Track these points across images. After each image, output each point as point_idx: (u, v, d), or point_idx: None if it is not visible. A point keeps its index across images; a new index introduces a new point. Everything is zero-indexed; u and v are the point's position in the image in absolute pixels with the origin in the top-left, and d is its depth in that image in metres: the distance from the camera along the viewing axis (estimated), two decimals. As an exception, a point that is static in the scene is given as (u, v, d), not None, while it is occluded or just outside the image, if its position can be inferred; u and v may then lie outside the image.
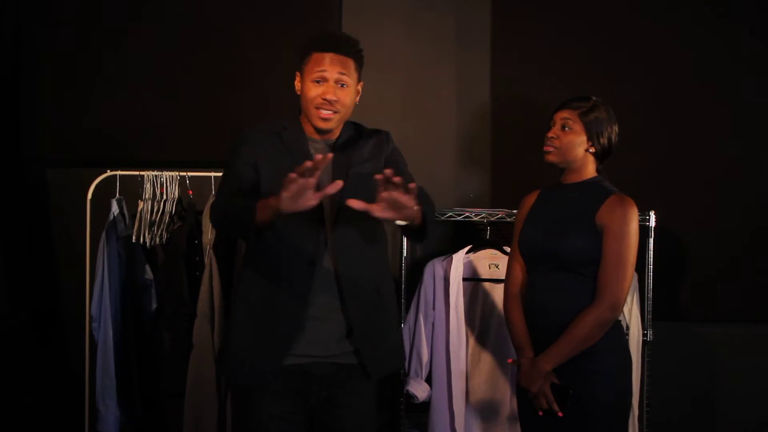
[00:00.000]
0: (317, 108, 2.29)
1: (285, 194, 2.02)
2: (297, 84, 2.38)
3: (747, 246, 3.42)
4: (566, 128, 2.50)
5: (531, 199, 2.67)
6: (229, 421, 3.17)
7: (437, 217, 2.41)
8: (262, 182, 2.31)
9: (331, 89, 2.28)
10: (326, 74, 2.28)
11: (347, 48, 2.32)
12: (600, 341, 2.42)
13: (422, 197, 2.19)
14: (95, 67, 3.53)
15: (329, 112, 2.29)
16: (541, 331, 2.50)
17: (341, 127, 2.40)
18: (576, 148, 2.51)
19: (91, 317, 3.24)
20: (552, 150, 2.52)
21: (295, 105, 2.46)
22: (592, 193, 2.50)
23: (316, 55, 2.30)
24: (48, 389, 3.64)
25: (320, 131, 2.35)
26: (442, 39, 3.55)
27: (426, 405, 3.24)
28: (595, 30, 3.46)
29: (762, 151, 3.43)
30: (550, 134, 2.53)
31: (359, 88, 2.39)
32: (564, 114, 2.52)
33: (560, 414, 2.40)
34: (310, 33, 2.44)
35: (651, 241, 3.21)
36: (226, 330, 2.57)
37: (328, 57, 2.28)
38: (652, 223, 3.21)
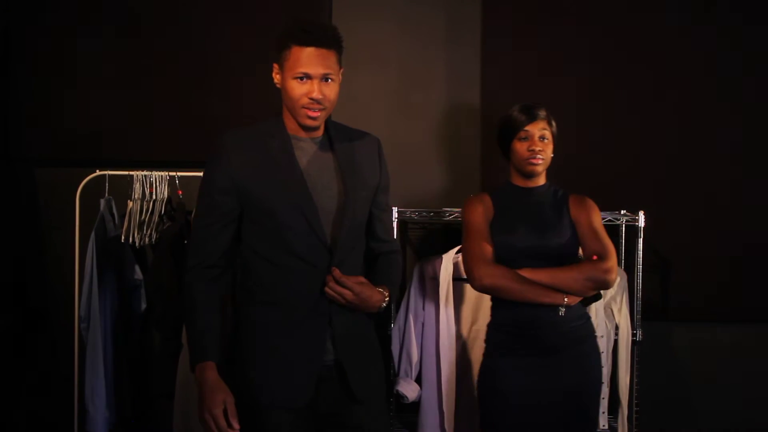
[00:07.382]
0: (304, 108, 2.20)
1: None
2: (276, 76, 2.27)
3: (736, 246, 3.43)
4: (545, 140, 2.65)
5: (486, 201, 2.71)
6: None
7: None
8: (246, 199, 2.25)
9: (315, 87, 2.18)
10: (310, 71, 2.17)
11: (328, 40, 2.20)
12: (588, 327, 2.63)
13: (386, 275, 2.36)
14: (84, 66, 3.51)
15: (316, 111, 2.21)
16: (528, 327, 2.57)
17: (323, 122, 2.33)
18: (550, 155, 2.68)
19: (79, 318, 3.22)
20: (540, 163, 2.65)
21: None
22: (557, 195, 2.70)
23: (296, 49, 2.18)
24: (37, 390, 3.62)
25: (306, 128, 2.28)
26: (432, 36, 3.54)
27: (416, 405, 3.24)
28: (588, 28, 3.46)
29: (752, 151, 3.44)
30: (536, 148, 2.63)
31: (340, 75, 2.29)
32: (541, 125, 2.65)
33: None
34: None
35: (641, 241, 3.22)
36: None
37: (309, 52, 2.17)
38: (642, 223, 3.22)
